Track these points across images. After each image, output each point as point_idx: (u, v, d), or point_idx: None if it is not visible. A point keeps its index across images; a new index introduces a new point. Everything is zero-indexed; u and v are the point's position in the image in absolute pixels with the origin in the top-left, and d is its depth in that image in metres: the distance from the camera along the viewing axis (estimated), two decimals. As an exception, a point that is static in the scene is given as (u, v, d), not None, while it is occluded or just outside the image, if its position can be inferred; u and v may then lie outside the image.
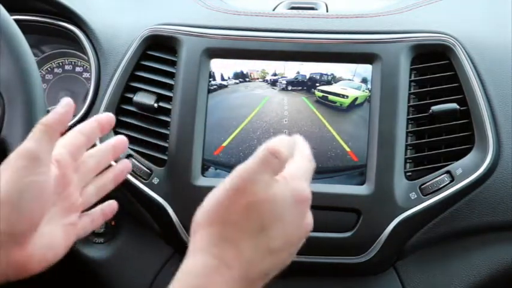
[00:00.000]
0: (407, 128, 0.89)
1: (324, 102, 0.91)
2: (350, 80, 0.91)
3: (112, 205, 0.79)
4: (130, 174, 0.91)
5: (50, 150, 0.65)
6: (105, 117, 0.77)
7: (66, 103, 0.67)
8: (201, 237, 0.58)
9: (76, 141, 0.72)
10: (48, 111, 0.79)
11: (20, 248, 0.64)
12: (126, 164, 0.81)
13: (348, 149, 0.89)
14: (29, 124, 0.73)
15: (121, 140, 0.79)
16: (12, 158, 0.63)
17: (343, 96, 0.90)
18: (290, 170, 0.61)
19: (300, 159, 0.64)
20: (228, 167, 0.90)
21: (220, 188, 0.59)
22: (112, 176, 0.79)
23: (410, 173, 0.88)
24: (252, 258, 0.57)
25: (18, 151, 0.63)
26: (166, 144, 0.92)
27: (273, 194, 0.58)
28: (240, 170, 0.59)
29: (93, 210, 0.76)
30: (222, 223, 0.58)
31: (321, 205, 0.88)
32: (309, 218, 0.63)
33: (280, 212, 0.59)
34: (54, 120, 0.65)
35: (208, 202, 0.59)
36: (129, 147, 0.92)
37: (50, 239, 0.68)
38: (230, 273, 0.56)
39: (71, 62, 1.08)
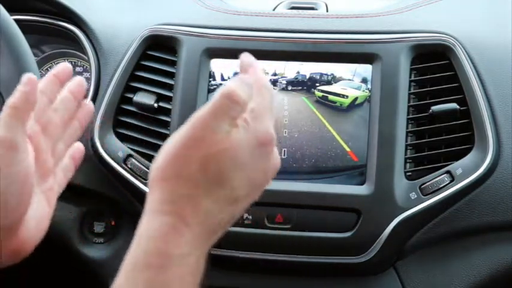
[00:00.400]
0: (407, 128, 0.89)
1: (324, 102, 0.91)
2: (350, 80, 0.91)
3: (79, 148, 0.76)
4: (130, 174, 0.91)
5: (25, 133, 0.62)
6: (61, 68, 0.72)
7: (28, 80, 0.63)
8: (156, 195, 0.53)
9: (40, 104, 0.68)
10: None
11: (16, 235, 0.63)
12: (88, 108, 0.77)
13: (348, 149, 0.89)
14: (29, 124, 0.73)
15: (78, 82, 0.74)
16: None
17: (343, 96, 0.90)
18: (251, 109, 0.56)
19: (260, 94, 0.57)
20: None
21: (175, 139, 0.53)
22: (78, 125, 0.75)
23: (410, 173, 0.88)
24: (212, 212, 0.53)
25: None
26: (166, 144, 0.91)
27: (234, 142, 0.53)
28: (195, 118, 0.53)
29: (62, 162, 0.73)
30: (177, 179, 0.52)
31: (321, 205, 0.88)
32: (274, 157, 0.58)
33: (243, 160, 0.54)
34: (21, 100, 0.62)
35: (163, 156, 0.53)
36: (129, 147, 0.93)
37: (37, 213, 0.66)
38: (189, 230, 0.52)
39: (71, 62, 1.08)
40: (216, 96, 0.53)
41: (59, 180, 0.72)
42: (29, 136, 0.66)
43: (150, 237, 0.52)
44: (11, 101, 0.62)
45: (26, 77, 0.63)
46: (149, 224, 0.52)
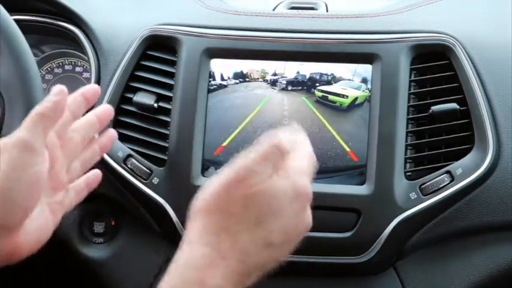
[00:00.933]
0: (407, 128, 0.89)
1: (324, 102, 0.91)
2: (350, 80, 0.91)
3: (97, 174, 0.77)
4: (130, 174, 0.91)
5: (44, 140, 0.64)
6: (91, 89, 0.74)
7: (58, 91, 0.65)
8: (198, 226, 0.57)
9: (63, 120, 0.70)
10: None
11: (13, 236, 0.64)
12: (111, 135, 0.79)
13: (348, 149, 0.89)
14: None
15: (105, 109, 0.77)
16: (6, 148, 0.62)
17: (343, 96, 0.90)
18: (292, 165, 0.60)
19: (303, 157, 0.62)
20: (228, 167, 0.90)
21: (221, 177, 0.58)
22: (98, 149, 0.77)
23: (410, 173, 0.88)
24: (248, 250, 0.56)
25: (13, 142, 0.62)
26: (166, 144, 0.92)
27: (273, 187, 0.58)
28: (241, 161, 0.58)
29: (77, 182, 0.75)
30: (220, 213, 0.57)
31: (321, 205, 0.87)
32: (308, 215, 0.62)
33: (279, 206, 0.58)
34: (48, 109, 0.64)
35: (208, 191, 0.58)
36: (129, 147, 0.93)
37: (40, 221, 0.67)
38: (225, 264, 0.55)
39: (71, 62, 1.08)
40: (261, 142, 0.59)
41: (70, 197, 0.73)
42: (47, 146, 0.67)
43: (189, 265, 0.55)
44: (38, 108, 0.64)
45: (58, 88, 0.65)
46: (190, 252, 0.56)
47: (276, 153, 0.58)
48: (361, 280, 0.93)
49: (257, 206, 0.57)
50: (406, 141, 0.88)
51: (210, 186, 0.58)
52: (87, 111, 0.76)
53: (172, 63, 0.94)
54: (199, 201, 0.58)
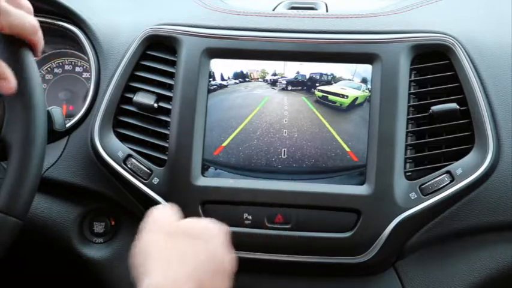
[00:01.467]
0: (407, 128, 0.89)
1: (324, 102, 0.91)
2: (350, 80, 0.91)
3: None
4: (130, 174, 0.91)
5: None
6: None
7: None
8: (147, 268, 0.64)
9: None
10: (48, 112, 0.79)
11: None
12: None
13: (348, 149, 0.89)
14: (28, 124, 0.73)
15: None
16: None
17: (343, 96, 0.90)
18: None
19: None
20: (228, 167, 0.90)
21: (144, 227, 0.70)
22: None
23: (410, 173, 0.88)
24: (202, 277, 0.63)
25: None
26: (166, 144, 0.92)
27: (186, 222, 0.70)
28: (154, 211, 0.72)
29: None
30: (159, 250, 0.66)
31: (321, 205, 0.88)
32: (229, 252, 0.69)
33: (199, 233, 0.67)
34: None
35: (140, 242, 0.68)
36: (129, 147, 0.93)
37: None
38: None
39: (71, 62, 1.08)
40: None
41: None
42: None
43: None
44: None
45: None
46: None
47: (167, 208, 0.72)
48: (361, 280, 0.93)
49: (179, 235, 0.67)
50: (406, 141, 0.88)
51: (140, 238, 0.68)
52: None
53: (172, 63, 0.94)
54: (138, 253, 0.67)
